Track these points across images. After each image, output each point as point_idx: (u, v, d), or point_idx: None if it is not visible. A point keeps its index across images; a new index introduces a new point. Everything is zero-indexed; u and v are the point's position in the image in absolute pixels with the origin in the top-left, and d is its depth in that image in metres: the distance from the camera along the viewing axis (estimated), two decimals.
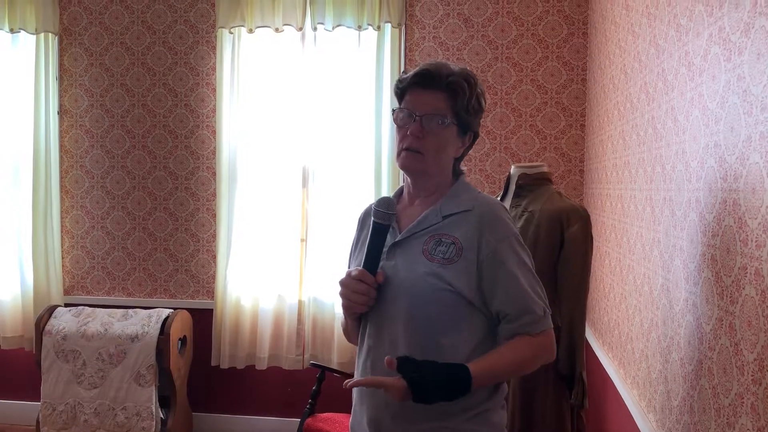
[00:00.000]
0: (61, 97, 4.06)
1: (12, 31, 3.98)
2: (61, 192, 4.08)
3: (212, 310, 3.92)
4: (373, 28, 3.69)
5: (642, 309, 2.14)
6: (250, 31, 3.79)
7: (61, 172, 4.08)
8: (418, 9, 3.75)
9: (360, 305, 1.52)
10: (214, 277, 3.96)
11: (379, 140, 3.71)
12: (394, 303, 1.48)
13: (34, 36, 3.96)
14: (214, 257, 3.96)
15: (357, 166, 3.79)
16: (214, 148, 3.93)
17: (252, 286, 3.89)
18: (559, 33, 3.66)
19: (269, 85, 3.84)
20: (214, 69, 3.92)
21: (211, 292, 4.00)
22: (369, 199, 3.74)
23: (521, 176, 2.26)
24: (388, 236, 1.53)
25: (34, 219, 3.98)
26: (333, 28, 3.73)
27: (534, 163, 2.33)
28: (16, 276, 4.07)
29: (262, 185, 3.88)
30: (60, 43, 4.05)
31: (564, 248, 2.14)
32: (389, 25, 3.68)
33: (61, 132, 4.07)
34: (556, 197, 2.25)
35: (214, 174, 3.94)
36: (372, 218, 1.52)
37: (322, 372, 3.35)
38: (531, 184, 2.25)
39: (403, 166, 1.54)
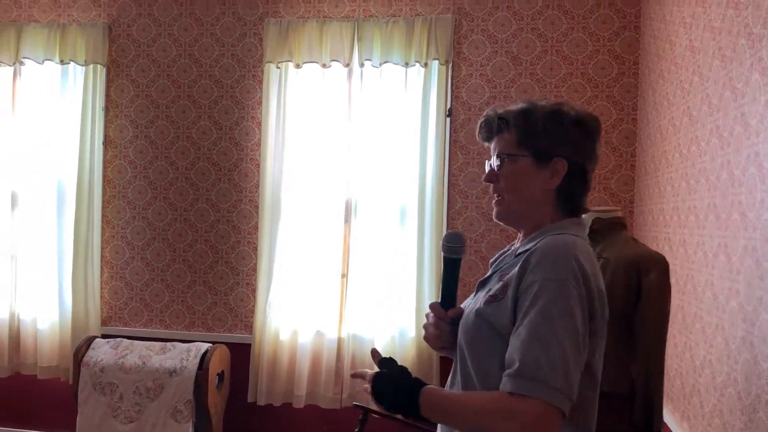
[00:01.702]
0: (106, 127, 4.09)
1: (62, 62, 4.03)
2: (102, 222, 4.08)
3: (250, 344, 3.86)
4: (421, 65, 3.68)
5: (714, 362, 2.04)
6: (298, 66, 3.80)
7: (103, 202, 4.08)
8: (466, 46, 3.74)
9: (431, 338, 1.52)
10: (252, 311, 3.92)
11: (424, 176, 3.68)
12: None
13: (84, 67, 4.01)
14: (254, 291, 3.92)
15: (400, 203, 3.75)
16: (258, 181, 3.92)
17: (291, 321, 3.83)
18: (609, 72, 3.62)
19: (314, 120, 3.84)
20: (259, 103, 3.92)
21: (249, 326, 3.94)
22: (412, 237, 3.69)
23: (595, 221, 2.20)
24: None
25: (75, 248, 3.98)
26: (380, 65, 3.73)
27: (608, 207, 2.27)
28: (55, 305, 4.05)
29: (305, 219, 3.85)
30: (108, 74, 4.09)
31: (641, 298, 2.06)
32: (437, 62, 3.67)
33: (105, 162, 4.09)
34: (632, 243, 2.18)
35: (257, 207, 3.92)
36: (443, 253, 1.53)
37: (365, 414, 3.26)
38: (605, 229, 2.18)
39: (494, 216, 1.49)
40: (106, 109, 4.09)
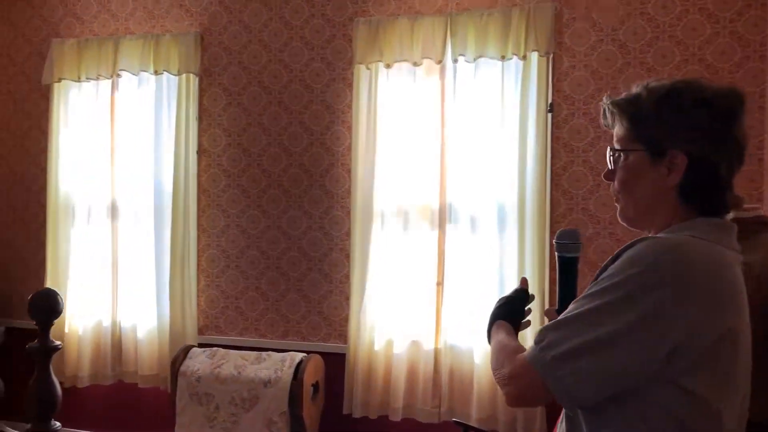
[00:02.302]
0: (200, 136, 4.10)
1: (156, 72, 4.07)
2: (198, 230, 4.09)
3: (344, 354, 3.75)
4: (519, 58, 3.46)
5: None
6: (388, 66, 3.66)
7: (198, 210, 4.09)
8: (568, 36, 3.48)
9: None
10: (346, 319, 3.80)
11: (524, 178, 3.45)
12: None
13: (177, 77, 4.03)
14: (347, 299, 3.80)
15: (499, 206, 3.54)
16: (349, 187, 3.81)
17: (386, 331, 3.69)
18: (731, 57, 3.27)
19: (406, 121, 3.68)
20: (350, 107, 3.81)
21: (343, 336, 3.83)
22: (512, 241, 3.47)
23: (733, 221, 1.91)
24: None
25: (172, 257, 4.01)
26: (474, 60, 3.53)
27: (749, 206, 1.98)
28: (154, 313, 4.09)
29: (398, 225, 3.70)
30: (200, 83, 4.10)
31: None
32: (536, 54, 3.44)
33: (199, 171, 4.09)
34: None
35: (348, 213, 3.81)
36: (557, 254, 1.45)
37: (466, 431, 3.07)
38: (746, 230, 1.89)
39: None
40: (200, 118, 4.10)
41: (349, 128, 3.81)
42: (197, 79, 4.07)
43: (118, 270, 4.19)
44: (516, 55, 3.46)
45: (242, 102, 4.03)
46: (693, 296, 1.09)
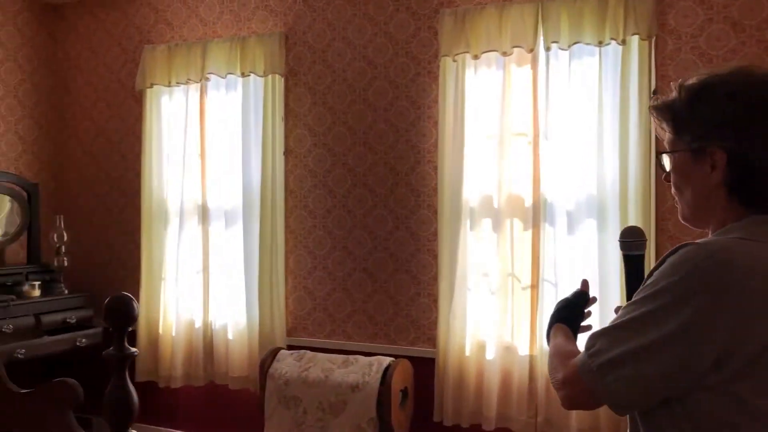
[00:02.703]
0: (286, 137, 4.07)
1: (243, 75, 4.07)
2: (285, 232, 4.06)
3: (433, 359, 3.61)
4: (617, 43, 3.20)
5: None
6: (476, 57, 3.49)
7: (285, 211, 4.06)
8: (672, 16, 3.19)
9: None
10: (435, 323, 3.66)
11: (626, 171, 3.20)
12: None
13: (263, 78, 4.02)
14: (435, 302, 3.66)
15: (599, 202, 3.29)
16: (436, 184, 3.66)
17: (476, 336, 3.52)
18: None
19: (495, 114, 3.50)
20: (436, 101, 3.67)
21: (432, 340, 3.69)
22: (613, 240, 3.22)
23: None
24: None
25: (260, 258, 3.99)
26: (569, 46, 3.30)
27: None
28: (243, 315, 4.10)
29: (488, 224, 3.52)
30: (286, 83, 4.07)
31: None
32: (636, 37, 3.17)
33: (286, 172, 4.06)
34: None
35: (435, 212, 3.66)
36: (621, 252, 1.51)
37: None
38: None
39: None
40: (285, 119, 4.07)
41: (435, 124, 3.66)
42: (282, 79, 4.04)
43: (209, 271, 4.22)
44: (614, 39, 3.21)
45: (327, 101, 3.97)
46: (735, 302, 1.06)
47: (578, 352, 1.26)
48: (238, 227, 4.12)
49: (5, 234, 4.41)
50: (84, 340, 4.20)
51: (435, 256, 3.66)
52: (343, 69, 3.93)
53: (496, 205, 3.50)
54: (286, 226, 4.06)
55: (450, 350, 3.52)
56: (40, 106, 4.80)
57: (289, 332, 4.06)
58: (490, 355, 3.48)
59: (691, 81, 1.22)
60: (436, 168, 3.66)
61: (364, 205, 3.87)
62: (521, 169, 3.47)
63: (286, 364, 3.66)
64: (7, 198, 4.36)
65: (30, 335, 4.01)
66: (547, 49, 3.35)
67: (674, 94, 1.24)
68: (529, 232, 3.45)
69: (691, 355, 1.07)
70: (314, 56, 4.01)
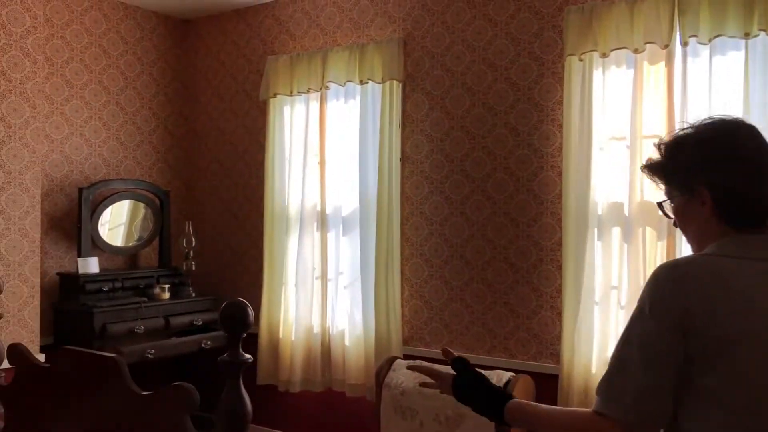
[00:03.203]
0: (403, 143, 4.02)
1: (361, 82, 4.07)
2: (402, 239, 4.00)
3: (557, 376, 3.41)
4: (767, 33, 2.89)
5: None
6: (604, 55, 3.28)
7: (402, 218, 4.01)
8: None
9: None
10: (558, 338, 3.46)
11: None
12: None
13: (381, 85, 3.99)
14: (559, 315, 3.46)
15: None
16: (560, 191, 3.47)
17: (605, 353, 3.29)
18: None
19: (625, 114, 3.27)
20: (560, 103, 3.48)
21: (555, 356, 3.49)
22: None
23: None
24: None
25: (377, 265, 3.96)
26: (709, 40, 3.02)
27: None
28: (360, 322, 4.08)
29: (618, 233, 3.29)
30: (404, 89, 4.02)
31: None
32: None
33: (402, 179, 4.01)
34: None
35: (560, 220, 3.47)
36: None
37: None
38: None
39: None
40: (403, 125, 4.02)
41: (560, 126, 3.48)
42: (400, 85, 4.00)
43: (327, 277, 4.25)
44: (764, 30, 2.90)
45: (445, 106, 3.88)
46: (687, 301, 1.30)
47: (578, 413, 1.47)
48: (355, 234, 4.11)
49: (139, 239, 4.66)
50: (209, 342, 4.34)
51: (559, 267, 3.47)
52: (461, 73, 3.83)
53: (626, 213, 3.26)
54: (402, 234, 4.01)
55: (575, 367, 3.31)
56: (173, 116, 5.04)
57: (406, 341, 3.99)
58: None
59: (667, 139, 1.49)
60: (560, 173, 3.47)
61: (483, 212, 3.74)
62: None
63: (402, 373, 3.59)
64: (141, 205, 4.61)
65: (159, 336, 4.20)
66: (684, 44, 3.08)
67: (657, 155, 1.49)
68: (664, 242, 3.18)
69: (666, 343, 1.31)
70: (433, 61, 3.93)
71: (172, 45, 5.04)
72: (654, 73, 3.23)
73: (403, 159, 4.01)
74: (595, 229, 3.33)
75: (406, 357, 3.90)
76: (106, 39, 4.60)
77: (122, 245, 4.54)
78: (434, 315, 3.91)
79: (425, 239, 3.95)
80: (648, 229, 3.24)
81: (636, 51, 3.20)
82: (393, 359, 3.75)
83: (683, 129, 1.47)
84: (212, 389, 4.92)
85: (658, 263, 3.14)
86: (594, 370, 3.29)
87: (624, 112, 3.28)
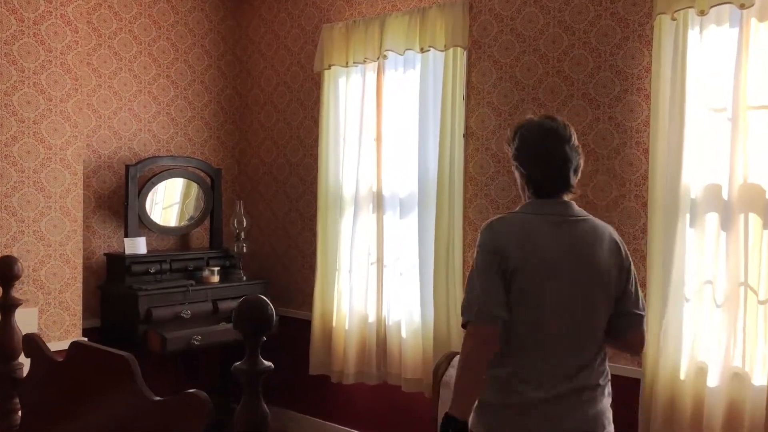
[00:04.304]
0: (467, 117, 3.65)
1: (422, 50, 3.71)
2: (464, 224, 3.65)
3: (639, 380, 3.01)
4: None
5: None
6: (702, 12, 2.81)
7: (464, 201, 3.65)
8: None
9: None
10: (644, 176, 3.03)
11: None
12: None
13: (443, 53, 3.62)
14: (646, 152, 3.04)
15: None
16: (646, 171, 3.04)
17: (696, 357, 2.87)
18: None
19: (727, 82, 2.80)
20: (648, 70, 3.04)
21: (638, 360, 3.08)
22: None
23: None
24: None
25: (436, 251, 3.63)
26: None
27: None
28: (418, 313, 3.76)
29: (714, 220, 2.84)
30: (469, 58, 3.64)
31: None
32: None
33: (466, 157, 3.65)
34: None
35: (645, 204, 3.04)
36: None
37: None
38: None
39: None
40: (467, 97, 3.64)
41: (647, 97, 3.03)
42: (465, 53, 3.62)
43: (383, 263, 3.94)
44: None
45: (514, 75, 3.48)
46: (499, 250, 1.97)
47: None
48: (413, 217, 3.78)
49: (190, 218, 4.46)
50: None
51: (643, 258, 3.05)
52: (533, 37, 3.42)
53: (725, 197, 2.80)
54: (465, 217, 3.65)
55: (661, 372, 2.90)
56: (226, 91, 4.81)
57: None
58: (713, 381, 2.81)
59: (511, 129, 2.16)
60: (646, 150, 3.03)
61: None
62: (761, 152, 2.74)
63: None
64: (192, 183, 4.40)
65: (207, 322, 4.00)
66: None
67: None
68: None
69: (498, 280, 1.95)
70: (501, 25, 3.53)
71: (225, 15, 4.79)
72: (764, 31, 2.74)
73: (467, 135, 3.64)
74: (687, 216, 2.89)
75: None
76: (155, 9, 4.38)
77: (171, 225, 4.35)
78: None
79: None
80: (751, 216, 2.78)
81: (742, 6, 2.71)
82: (453, 355, 3.41)
83: (520, 123, 2.14)
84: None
85: (764, 256, 2.70)
86: (683, 375, 2.87)
87: (725, 80, 2.82)
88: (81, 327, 3.55)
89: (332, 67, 4.10)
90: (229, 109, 4.83)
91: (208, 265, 4.25)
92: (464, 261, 3.64)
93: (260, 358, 1.46)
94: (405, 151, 3.85)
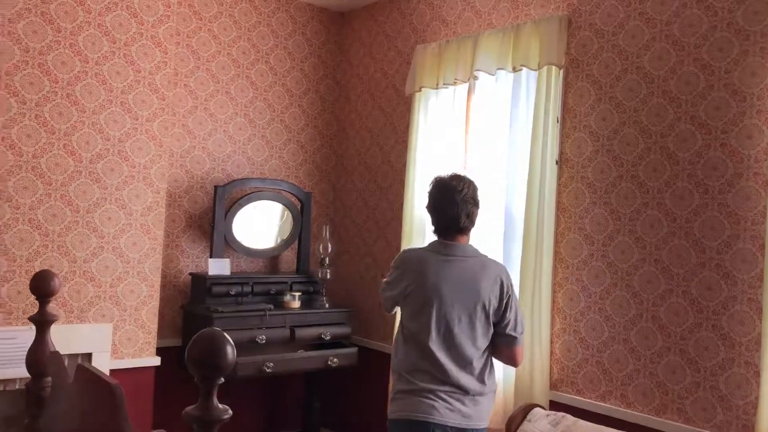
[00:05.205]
0: (561, 143, 3.30)
1: (514, 69, 3.42)
2: (554, 260, 3.28)
3: None
4: None
5: None
6: None
7: (556, 235, 3.29)
8: None
9: None
10: (755, 405, 2.54)
11: None
12: None
13: (536, 72, 3.31)
14: (757, 375, 2.54)
15: None
16: (765, 207, 2.55)
17: None
18: None
19: None
20: (767, 90, 2.57)
21: (749, 428, 2.57)
22: None
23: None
24: None
25: (522, 290, 3.28)
26: None
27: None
28: None
29: None
30: (565, 77, 3.31)
31: None
32: None
33: (559, 186, 3.30)
34: None
35: (762, 246, 2.56)
36: None
37: None
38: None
39: None
40: (562, 120, 3.30)
41: None
42: (561, 71, 3.29)
43: None
44: None
45: (614, 96, 3.11)
46: (402, 269, 2.65)
47: None
48: (498, 249, 3.46)
49: (278, 241, 4.41)
50: (336, 360, 3.94)
51: (759, 310, 2.55)
52: (637, 54, 3.03)
53: None
54: (555, 253, 3.28)
55: None
56: (324, 115, 4.76)
57: (554, 385, 3.26)
58: None
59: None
60: (766, 183, 2.55)
61: (658, 231, 2.91)
62: None
63: (539, 426, 2.88)
64: (280, 205, 4.35)
65: (282, 348, 3.88)
66: None
67: None
68: None
69: (398, 288, 2.63)
70: (602, 41, 3.18)
71: (326, 39, 4.76)
72: None
73: (561, 162, 3.30)
74: None
75: (552, 404, 3.19)
76: (255, 32, 4.42)
77: (257, 247, 4.30)
78: (590, 356, 3.14)
79: (583, 262, 3.19)
80: None
81: None
82: (530, 407, 3.04)
83: (432, 180, 2.72)
84: (328, 404, 4.50)
85: None
86: None
87: None
88: (155, 345, 3.54)
89: (422, 90, 3.91)
90: (325, 133, 4.76)
91: (291, 289, 4.15)
92: (553, 302, 3.27)
93: (215, 402, 1.27)
94: (491, 180, 3.55)
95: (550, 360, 3.27)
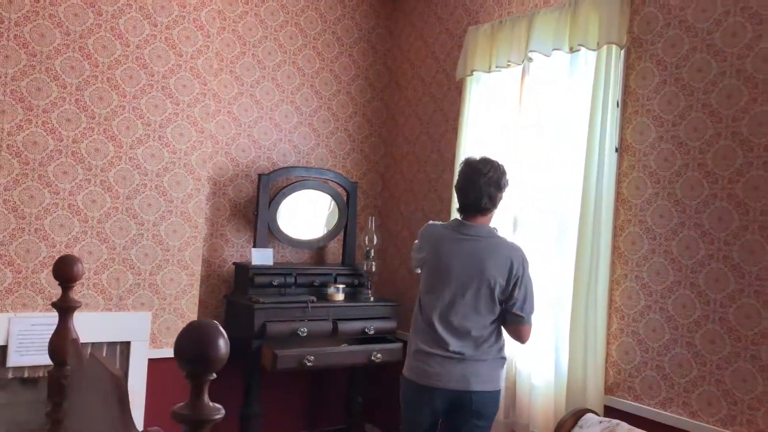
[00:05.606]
0: (622, 128, 3.05)
1: (571, 49, 3.19)
2: (612, 255, 3.04)
3: None
4: None
5: None
6: None
7: (614, 228, 3.05)
8: None
9: None
10: None
11: None
12: None
13: (595, 52, 3.07)
14: None
15: None
16: None
17: None
18: None
19: None
20: None
21: None
22: None
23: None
24: None
25: (575, 286, 3.06)
26: None
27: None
28: (551, 358, 3.21)
29: None
30: (627, 57, 3.06)
31: None
32: None
33: (618, 175, 3.05)
34: None
35: None
36: None
37: None
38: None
39: None
40: (623, 104, 3.06)
41: None
42: (622, 51, 3.04)
43: None
44: None
45: (681, 77, 2.84)
46: (423, 241, 2.88)
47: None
48: (549, 243, 3.24)
49: (323, 232, 4.29)
50: (379, 355, 3.80)
51: None
52: (707, 30, 2.76)
53: None
54: (614, 248, 3.04)
55: None
56: (373, 102, 4.61)
57: (609, 389, 3.03)
58: None
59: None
60: None
61: (728, 225, 2.64)
62: None
63: None
64: (326, 195, 4.23)
65: (324, 342, 3.76)
66: None
67: None
68: None
69: (420, 255, 2.89)
70: (668, 17, 2.91)
71: (376, 24, 4.60)
72: None
73: (621, 149, 3.05)
74: None
75: (607, 410, 2.96)
76: (303, 17, 4.31)
77: (301, 238, 4.19)
78: (649, 360, 2.89)
79: (644, 257, 2.94)
80: None
81: None
82: (581, 412, 2.82)
83: (469, 159, 2.88)
84: (370, 401, 4.34)
85: None
86: None
87: None
88: None
89: (474, 73, 3.71)
90: (375, 122, 4.62)
91: (335, 282, 4.03)
92: (610, 300, 3.03)
93: (206, 400, 1.13)
94: (544, 167, 3.33)
95: (606, 362, 3.04)
